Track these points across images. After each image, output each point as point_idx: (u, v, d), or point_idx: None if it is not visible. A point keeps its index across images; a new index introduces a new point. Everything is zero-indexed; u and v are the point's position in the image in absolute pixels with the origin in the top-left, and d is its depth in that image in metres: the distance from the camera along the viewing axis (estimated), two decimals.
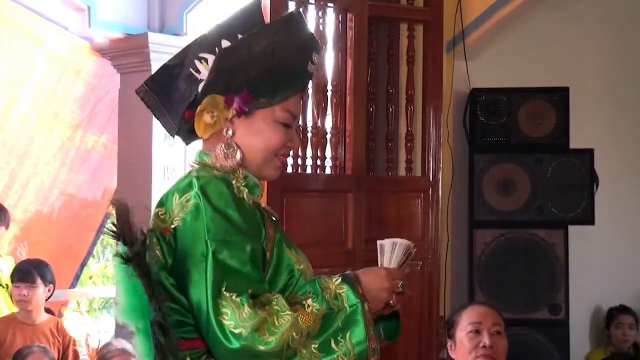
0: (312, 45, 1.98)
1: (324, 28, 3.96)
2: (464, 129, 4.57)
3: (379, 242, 1.96)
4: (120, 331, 5.44)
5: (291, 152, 3.85)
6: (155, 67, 5.41)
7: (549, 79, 4.65)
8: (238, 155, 1.92)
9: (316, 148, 3.95)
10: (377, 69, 4.28)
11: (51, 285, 4.68)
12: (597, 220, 4.49)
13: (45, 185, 6.06)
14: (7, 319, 4.73)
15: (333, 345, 1.77)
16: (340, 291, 1.81)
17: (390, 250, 1.94)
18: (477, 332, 2.74)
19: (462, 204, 4.51)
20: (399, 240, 1.95)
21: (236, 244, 1.79)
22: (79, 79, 5.97)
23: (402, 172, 4.31)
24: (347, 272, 1.89)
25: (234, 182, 1.88)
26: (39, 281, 4.58)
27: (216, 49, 1.97)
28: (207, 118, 1.92)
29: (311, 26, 3.89)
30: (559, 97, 4.49)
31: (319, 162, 3.96)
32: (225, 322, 1.72)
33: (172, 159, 5.51)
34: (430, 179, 4.25)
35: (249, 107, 1.91)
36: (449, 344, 2.85)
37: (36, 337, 4.44)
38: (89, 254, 6.64)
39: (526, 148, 4.46)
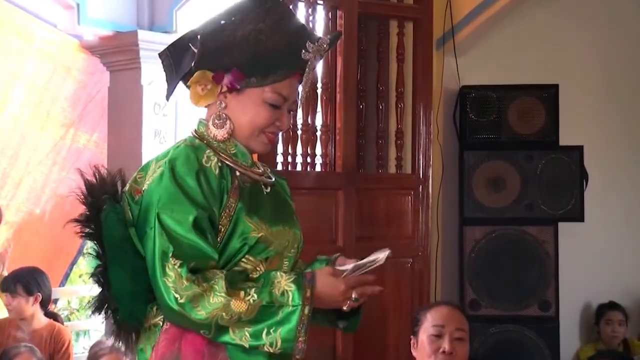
0: (302, 34, 2.09)
1: (313, 25, 3.95)
2: (454, 126, 4.57)
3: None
4: (111, 329, 5.43)
5: (281, 150, 3.89)
6: (145, 65, 5.47)
7: (539, 76, 4.66)
8: (228, 125, 2.09)
9: (306, 145, 3.95)
10: (367, 67, 4.28)
11: (38, 294, 4.65)
12: (586, 217, 4.50)
13: (37, 184, 6.03)
14: (5, 322, 4.70)
15: (264, 334, 1.94)
16: (288, 289, 1.96)
17: (352, 271, 2.03)
18: (439, 336, 2.69)
19: (452, 201, 4.51)
20: (360, 262, 2.05)
21: (180, 211, 1.97)
22: (70, 77, 5.95)
23: (392, 169, 4.31)
24: (308, 272, 2.05)
25: (207, 151, 2.06)
26: (20, 292, 4.56)
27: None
28: (198, 89, 2.10)
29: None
30: (548, 94, 4.49)
31: (309, 160, 3.97)
32: (168, 284, 1.94)
33: None
34: (421, 176, 4.25)
35: (240, 84, 2.07)
36: (412, 341, 2.79)
37: (30, 342, 4.41)
38: (80, 252, 6.61)
39: (516, 145, 4.47)
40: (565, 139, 4.52)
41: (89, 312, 2.08)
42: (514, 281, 4.39)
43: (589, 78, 5.08)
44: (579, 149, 4.49)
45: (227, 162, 2.08)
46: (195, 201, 1.98)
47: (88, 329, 7.84)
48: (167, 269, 1.94)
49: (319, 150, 4.01)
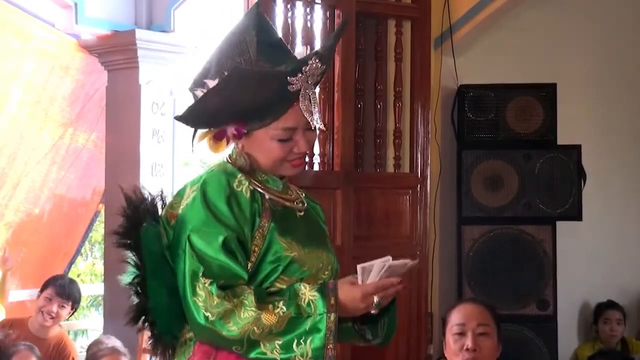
0: (278, 76, 2.06)
1: (311, 25, 3.95)
2: (452, 126, 4.57)
3: (357, 266, 2.09)
4: (110, 328, 5.44)
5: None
6: (143, 64, 5.47)
7: (537, 75, 4.66)
8: (247, 163, 2.14)
9: None
10: (365, 66, 4.28)
11: (77, 306, 4.68)
12: (585, 216, 4.50)
13: (36, 184, 6.03)
14: (17, 323, 4.67)
15: (294, 346, 1.98)
16: (312, 298, 2.01)
17: (362, 274, 2.06)
18: (462, 334, 2.73)
19: (450, 200, 4.51)
20: (368, 264, 2.06)
21: (210, 233, 2.02)
22: (68, 76, 5.95)
23: (390, 168, 4.31)
24: (330, 282, 2.10)
25: (239, 176, 2.11)
26: (70, 302, 4.56)
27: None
28: (209, 142, 2.17)
29: (299, 23, 3.90)
30: (546, 93, 4.49)
31: (307, 159, 3.96)
32: (199, 303, 1.99)
33: (160, 157, 5.50)
34: (419, 176, 4.25)
35: (246, 129, 2.13)
36: (443, 343, 2.85)
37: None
38: (78, 252, 6.61)
39: (514, 144, 4.47)
40: (563, 138, 4.52)
41: (127, 322, 2.12)
42: (512, 280, 4.39)
43: (587, 77, 5.09)
44: (577, 148, 4.49)
45: (257, 188, 2.13)
46: (225, 223, 2.03)
47: (86, 329, 7.85)
48: (197, 289, 1.99)
49: (317, 149, 4.01)
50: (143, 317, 2.10)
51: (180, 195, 2.14)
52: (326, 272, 2.19)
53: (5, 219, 5.87)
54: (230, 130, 2.12)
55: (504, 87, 4.50)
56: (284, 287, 2.08)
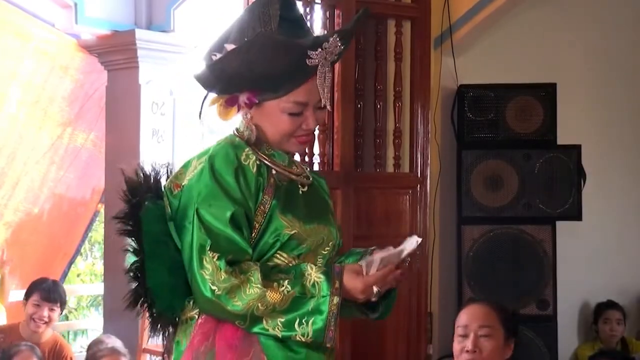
0: (299, 47, 2.07)
1: (311, 24, 3.95)
2: (452, 125, 4.57)
3: (360, 263, 2.12)
4: (110, 328, 5.44)
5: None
6: (142, 64, 5.47)
7: (537, 75, 4.66)
8: (253, 134, 2.14)
9: None
10: (365, 66, 4.28)
11: (64, 306, 4.67)
12: (584, 216, 4.50)
13: (35, 184, 6.03)
14: (8, 329, 4.66)
15: (296, 325, 2.01)
16: (318, 280, 2.03)
17: (365, 267, 2.08)
18: (465, 335, 2.74)
19: (450, 200, 4.51)
20: (369, 259, 2.10)
21: (218, 206, 2.04)
22: (67, 76, 5.95)
23: (390, 168, 4.31)
24: (336, 265, 2.11)
25: (246, 149, 2.11)
26: (58, 303, 4.54)
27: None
28: (220, 108, 2.17)
29: None
30: (546, 93, 4.49)
31: (306, 159, 3.96)
32: (206, 276, 2.01)
33: (160, 156, 5.50)
34: (418, 175, 4.25)
35: (258, 99, 2.12)
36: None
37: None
38: (77, 251, 6.62)
39: (514, 144, 4.47)
40: (563, 138, 4.52)
41: (125, 307, 2.13)
42: (512, 280, 4.39)
43: (587, 77, 5.09)
44: (577, 148, 4.49)
45: (264, 161, 2.14)
46: (232, 197, 2.04)
47: (86, 328, 7.85)
48: (204, 262, 2.01)
49: (316, 149, 4.01)
50: (142, 300, 2.11)
51: (185, 167, 2.14)
52: (327, 248, 2.20)
53: (4, 218, 5.87)
54: (243, 98, 2.13)
55: (504, 87, 4.50)
56: (281, 262, 2.11)
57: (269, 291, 1.99)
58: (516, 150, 4.45)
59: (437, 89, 4.46)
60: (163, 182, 2.18)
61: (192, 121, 5.83)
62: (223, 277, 1.99)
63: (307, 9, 3.94)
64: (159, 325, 2.15)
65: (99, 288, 6.73)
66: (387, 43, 4.32)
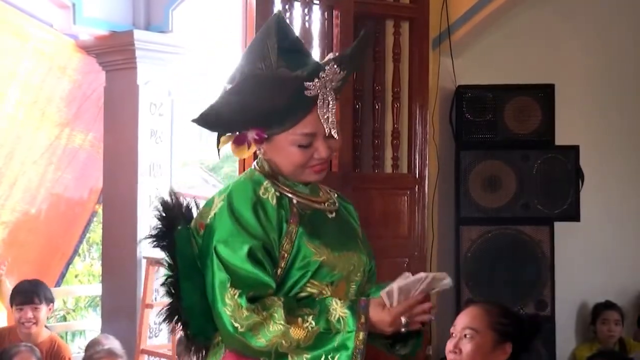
0: (293, 81, 2.04)
1: (309, 25, 3.95)
2: (450, 126, 4.57)
3: (381, 293, 2.07)
4: (107, 328, 5.43)
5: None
6: (141, 65, 5.47)
7: (535, 75, 4.66)
8: (269, 168, 2.15)
9: None
10: (363, 66, 4.28)
11: (52, 303, 4.66)
12: (582, 216, 4.50)
13: (32, 184, 6.03)
14: (6, 331, 4.67)
15: None
16: (343, 315, 2.01)
17: (387, 298, 2.04)
18: (453, 336, 2.77)
19: (448, 201, 4.51)
20: (389, 289, 2.04)
21: (235, 242, 2.03)
22: (65, 76, 5.95)
23: (388, 169, 4.31)
24: (362, 299, 2.08)
25: (265, 182, 2.12)
26: (42, 302, 4.54)
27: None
28: (232, 147, 2.15)
29: (297, 24, 3.89)
30: (544, 94, 4.49)
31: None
32: (228, 313, 2.00)
33: (158, 157, 5.50)
34: (417, 176, 4.25)
35: (266, 134, 2.11)
36: None
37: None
38: (75, 252, 6.62)
39: (512, 145, 4.47)
40: (561, 139, 4.52)
41: (161, 321, 2.12)
42: (510, 281, 4.39)
43: (585, 78, 5.09)
44: (575, 149, 4.49)
45: (285, 192, 2.13)
46: (250, 233, 2.04)
47: (84, 329, 7.85)
48: (226, 299, 2.01)
49: None
50: (177, 317, 2.10)
51: (208, 205, 2.14)
52: (358, 274, 2.18)
53: (1, 218, 5.87)
54: (251, 135, 2.11)
55: (502, 88, 4.50)
56: (315, 291, 2.09)
57: (292, 327, 1.98)
58: (514, 151, 4.45)
59: (435, 90, 4.46)
60: (194, 212, 2.17)
61: (190, 122, 5.81)
62: (245, 314, 1.99)
63: (306, 10, 3.94)
64: (194, 348, 2.16)
65: (97, 289, 6.73)
66: (385, 44, 4.32)
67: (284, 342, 1.98)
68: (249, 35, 3.77)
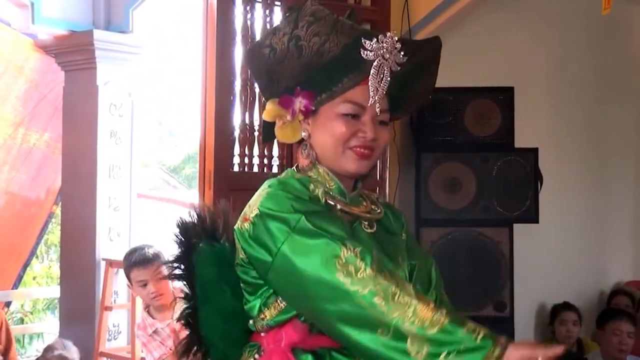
0: (349, 31, 1.90)
1: (271, 26, 3.94)
2: (411, 128, 4.59)
3: None
4: (66, 331, 5.37)
5: (238, 151, 3.86)
6: (100, 65, 5.42)
7: (495, 78, 4.70)
8: (313, 154, 1.96)
9: (263, 147, 3.93)
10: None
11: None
12: (541, 218, 4.54)
13: None
14: None
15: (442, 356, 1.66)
16: (479, 329, 1.68)
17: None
18: None
19: (409, 203, 4.53)
20: None
21: (326, 216, 1.84)
22: (22, 76, 5.87)
23: None
24: (502, 338, 1.69)
25: (311, 183, 1.95)
26: None
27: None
28: (279, 124, 1.97)
29: (258, 25, 3.88)
30: (504, 97, 4.53)
31: (265, 161, 3.95)
32: (354, 279, 1.72)
33: (118, 158, 5.45)
34: (378, 178, 4.26)
35: (314, 105, 1.94)
36: None
37: None
38: (32, 254, 6.53)
39: (472, 147, 4.50)
40: (520, 141, 4.56)
41: (180, 354, 1.98)
42: (469, 282, 4.42)
43: (543, 81, 5.14)
44: (534, 151, 4.53)
45: (328, 200, 1.95)
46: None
47: (42, 332, 7.75)
48: (338, 265, 1.74)
49: (276, 151, 4.00)
50: (195, 348, 1.96)
51: (250, 205, 1.91)
52: None
53: None
54: (299, 103, 1.93)
55: (463, 90, 4.53)
56: None
57: (421, 304, 1.69)
58: (474, 153, 4.48)
59: None
60: (219, 225, 1.98)
61: (150, 123, 5.78)
62: (370, 274, 1.72)
63: (267, 11, 3.93)
64: None
65: (55, 291, 6.65)
66: None
67: (410, 316, 1.67)
68: (209, 37, 3.76)
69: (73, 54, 5.46)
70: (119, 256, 4.34)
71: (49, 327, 7.53)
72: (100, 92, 5.38)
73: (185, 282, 1.96)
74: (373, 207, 2.05)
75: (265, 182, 1.95)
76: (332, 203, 1.95)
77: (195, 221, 1.97)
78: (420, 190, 4.46)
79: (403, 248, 2.09)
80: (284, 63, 1.93)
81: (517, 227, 4.54)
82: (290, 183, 1.93)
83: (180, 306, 1.96)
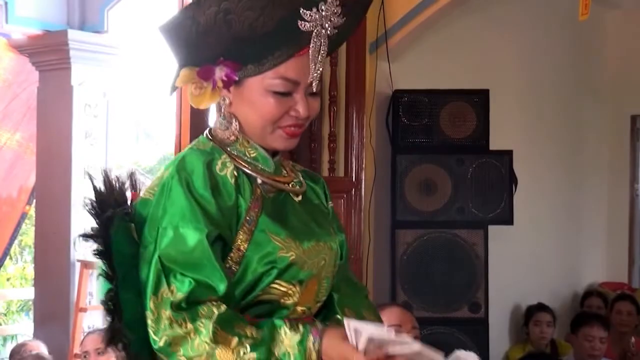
0: (288, 2, 1.71)
1: None
2: (387, 130, 4.60)
3: (348, 322, 1.64)
4: (40, 333, 5.34)
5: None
6: (75, 65, 5.39)
7: (470, 81, 4.72)
8: (233, 125, 1.78)
9: None
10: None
11: None
12: (516, 220, 4.57)
13: None
14: None
15: None
16: (290, 351, 1.62)
17: (354, 334, 1.62)
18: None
19: (384, 205, 4.54)
20: (360, 326, 1.63)
21: (187, 229, 1.66)
22: None
23: (325, 172, 4.31)
24: (315, 328, 1.67)
25: (222, 156, 1.76)
26: None
27: None
28: (191, 89, 1.77)
29: None
30: (479, 99, 4.54)
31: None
32: (148, 322, 1.65)
33: (92, 159, 5.43)
34: (353, 180, 4.27)
35: (237, 75, 1.75)
36: None
37: None
38: (5, 254, 6.48)
39: (447, 149, 4.51)
40: (495, 144, 4.58)
41: (105, 345, 1.74)
42: (444, 283, 4.43)
43: (519, 84, 5.18)
44: (509, 154, 4.56)
45: (245, 170, 1.78)
46: (209, 216, 1.68)
47: (16, 334, 7.70)
48: (151, 303, 1.65)
49: None
50: (118, 337, 1.71)
51: (157, 177, 1.77)
52: (330, 270, 1.85)
53: None
54: (220, 73, 1.74)
55: (438, 93, 4.54)
56: (281, 292, 1.74)
57: (220, 349, 1.60)
58: (450, 155, 4.49)
59: (372, 94, 4.48)
60: (128, 194, 1.78)
61: (126, 123, 5.76)
62: (165, 324, 1.63)
63: None
64: None
65: (29, 292, 6.60)
66: None
67: None
68: None
69: (47, 53, 5.43)
70: (94, 257, 4.31)
71: (23, 328, 7.48)
72: (74, 92, 5.36)
73: (104, 260, 1.71)
74: (293, 175, 1.90)
75: (169, 166, 1.76)
76: (253, 174, 1.77)
77: (109, 190, 1.74)
78: (395, 192, 4.47)
79: (334, 218, 1.98)
80: (208, 36, 1.73)
81: (492, 229, 4.56)
82: (194, 171, 1.71)
83: (102, 287, 1.73)
